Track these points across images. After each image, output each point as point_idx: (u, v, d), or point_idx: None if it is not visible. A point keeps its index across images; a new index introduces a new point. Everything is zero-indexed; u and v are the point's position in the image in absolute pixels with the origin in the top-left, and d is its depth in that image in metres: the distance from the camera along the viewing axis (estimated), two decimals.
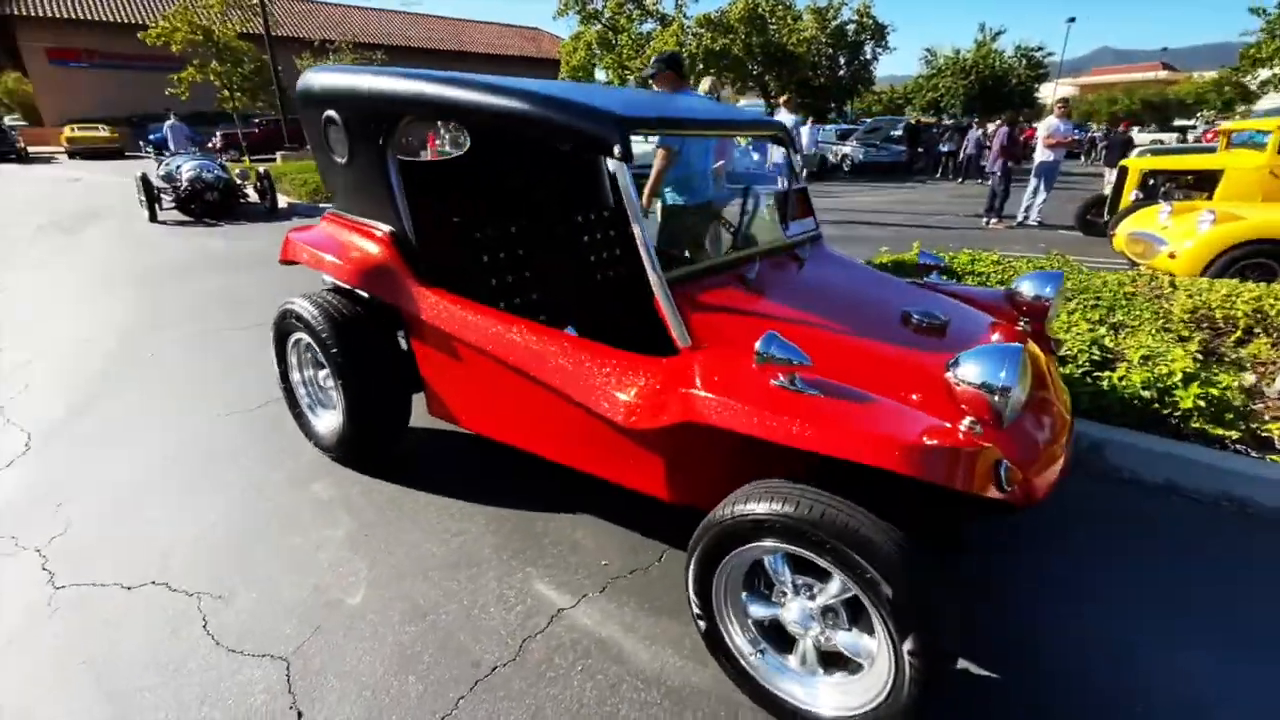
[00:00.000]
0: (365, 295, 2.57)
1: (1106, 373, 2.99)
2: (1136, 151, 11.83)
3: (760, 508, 1.45)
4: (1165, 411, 2.77)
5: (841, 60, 22.81)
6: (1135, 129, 26.40)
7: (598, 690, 1.72)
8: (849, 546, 1.34)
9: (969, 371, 1.45)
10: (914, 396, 1.65)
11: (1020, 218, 9.68)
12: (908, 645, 1.33)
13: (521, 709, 1.66)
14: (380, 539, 2.34)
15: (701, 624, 1.68)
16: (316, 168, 2.85)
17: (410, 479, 2.71)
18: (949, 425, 1.46)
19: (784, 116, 9.65)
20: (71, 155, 23.27)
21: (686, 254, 3.53)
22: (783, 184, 2.74)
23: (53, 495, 2.60)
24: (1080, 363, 3.06)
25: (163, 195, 9.63)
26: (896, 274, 3.22)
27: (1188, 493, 2.57)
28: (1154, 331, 3.36)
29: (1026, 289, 2.24)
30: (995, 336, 2.10)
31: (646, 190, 3.55)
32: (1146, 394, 2.80)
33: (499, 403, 2.32)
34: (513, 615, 1.98)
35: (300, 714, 1.65)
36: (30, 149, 23.96)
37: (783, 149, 2.73)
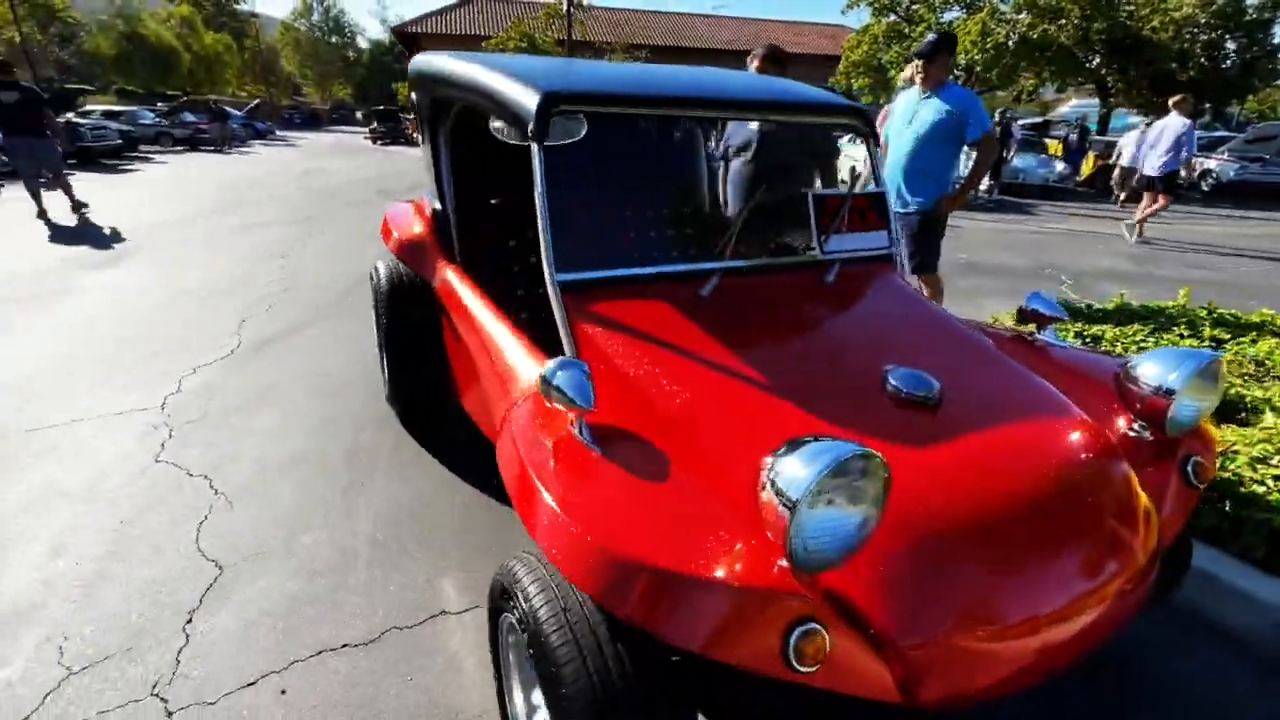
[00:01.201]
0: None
1: None
2: None
3: (517, 570, 1.17)
4: None
5: (1229, 46, 17.14)
6: None
7: (404, 714, 1.59)
8: (548, 662, 1.00)
9: (784, 470, 0.93)
10: None
11: None
12: None
13: (326, 702, 1.62)
14: (373, 493, 2.51)
15: (496, 681, 1.44)
16: None
17: (439, 444, 2.84)
18: (769, 549, 0.98)
19: (1174, 120, 8.00)
20: None
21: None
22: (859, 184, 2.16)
23: (212, 390, 3.34)
24: None
25: None
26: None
27: None
28: None
29: (1146, 372, 1.39)
30: (1075, 436, 1.38)
31: (964, 188, 3.57)
32: None
33: (470, 387, 2.28)
34: (400, 600, 1.95)
35: (190, 620, 1.86)
36: (415, 135, 31.57)
37: (865, 144, 2.14)
